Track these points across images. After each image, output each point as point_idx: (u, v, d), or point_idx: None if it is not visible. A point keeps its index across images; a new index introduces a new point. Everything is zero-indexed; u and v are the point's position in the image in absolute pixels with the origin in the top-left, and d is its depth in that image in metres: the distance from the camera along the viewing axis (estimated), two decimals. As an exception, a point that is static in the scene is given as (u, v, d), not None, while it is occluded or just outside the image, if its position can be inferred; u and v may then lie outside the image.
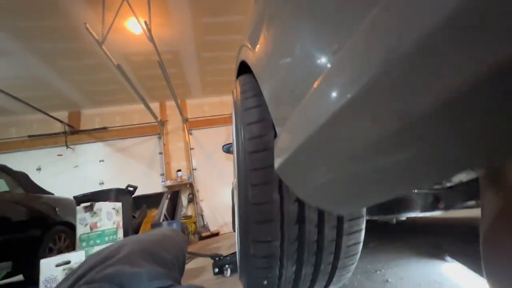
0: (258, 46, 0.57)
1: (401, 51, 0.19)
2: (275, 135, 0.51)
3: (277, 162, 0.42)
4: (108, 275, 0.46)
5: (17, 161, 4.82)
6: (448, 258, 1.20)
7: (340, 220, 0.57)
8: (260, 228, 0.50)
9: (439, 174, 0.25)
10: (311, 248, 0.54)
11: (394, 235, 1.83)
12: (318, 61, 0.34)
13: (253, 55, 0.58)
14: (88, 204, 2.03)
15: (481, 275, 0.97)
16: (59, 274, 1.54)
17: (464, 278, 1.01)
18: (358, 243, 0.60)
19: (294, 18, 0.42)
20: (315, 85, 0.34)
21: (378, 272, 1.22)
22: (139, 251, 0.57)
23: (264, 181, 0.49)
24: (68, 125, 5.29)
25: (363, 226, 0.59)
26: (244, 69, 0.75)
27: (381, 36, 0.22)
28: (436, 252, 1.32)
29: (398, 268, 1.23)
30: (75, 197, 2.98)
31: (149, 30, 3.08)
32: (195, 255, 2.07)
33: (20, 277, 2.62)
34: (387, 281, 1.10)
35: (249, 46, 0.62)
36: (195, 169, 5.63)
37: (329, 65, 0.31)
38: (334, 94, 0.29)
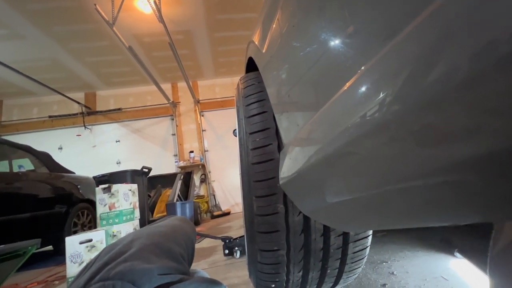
0: (266, 46, 0.53)
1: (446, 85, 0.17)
2: (279, 144, 0.49)
3: (283, 177, 0.41)
4: (120, 272, 0.49)
5: (40, 141, 5.10)
6: (457, 254, 1.18)
7: (346, 227, 0.56)
8: (265, 238, 0.51)
9: (454, 218, 0.23)
10: (317, 255, 0.55)
11: (403, 226, 1.82)
12: (345, 70, 0.29)
13: (261, 55, 0.55)
14: (106, 186, 2.14)
15: (490, 274, 0.96)
16: (83, 250, 1.67)
17: (472, 276, 1.00)
18: (364, 248, 0.60)
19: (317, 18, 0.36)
20: (335, 97, 0.30)
21: (384, 263, 1.24)
22: (149, 246, 0.60)
23: (268, 193, 0.49)
24: (85, 106, 5.45)
25: (371, 232, 0.59)
26: (253, 65, 0.72)
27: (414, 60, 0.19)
28: (445, 246, 1.31)
29: (404, 261, 1.23)
30: (94, 177, 3.15)
31: (159, 10, 2.99)
32: (206, 236, 2.17)
33: (49, 248, 2.89)
34: (392, 273, 1.12)
35: (257, 44, 0.59)
36: (207, 151, 5.73)
37: (356, 76, 0.27)
38: (361, 111, 0.25)
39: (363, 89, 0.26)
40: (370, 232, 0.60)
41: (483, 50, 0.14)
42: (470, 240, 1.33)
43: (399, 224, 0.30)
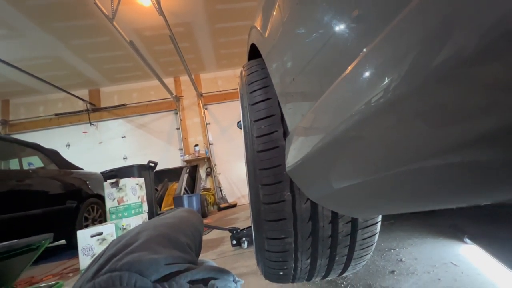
0: (269, 30, 0.51)
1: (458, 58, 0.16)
2: (284, 131, 0.48)
3: (289, 164, 0.40)
4: (128, 263, 0.50)
5: (48, 138, 5.19)
6: (467, 240, 1.17)
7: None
8: (272, 226, 0.50)
9: (462, 200, 0.22)
10: (325, 243, 0.54)
11: (411, 212, 1.80)
12: (348, 52, 0.28)
13: (264, 40, 0.53)
14: (114, 180, 2.17)
15: (500, 259, 0.95)
16: (94, 243, 1.72)
17: (482, 261, 0.99)
18: (373, 235, 0.60)
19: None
20: (340, 80, 0.29)
21: (392, 250, 1.23)
22: (156, 237, 0.60)
23: (274, 181, 0.48)
24: (90, 103, 5.49)
25: (380, 218, 0.58)
26: (255, 52, 0.70)
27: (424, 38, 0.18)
28: (454, 232, 1.29)
29: (413, 248, 1.23)
30: (102, 173, 3.20)
31: (158, 2, 2.95)
32: (214, 228, 2.20)
33: (63, 242, 2.98)
34: (401, 260, 1.11)
35: (259, 29, 0.57)
36: (211, 144, 5.75)
37: (360, 57, 0.25)
38: (364, 94, 0.24)
39: (366, 72, 0.25)
40: (379, 218, 0.59)
41: (489, 27, 0.14)
42: (480, 226, 1.31)
43: (407, 208, 0.29)
